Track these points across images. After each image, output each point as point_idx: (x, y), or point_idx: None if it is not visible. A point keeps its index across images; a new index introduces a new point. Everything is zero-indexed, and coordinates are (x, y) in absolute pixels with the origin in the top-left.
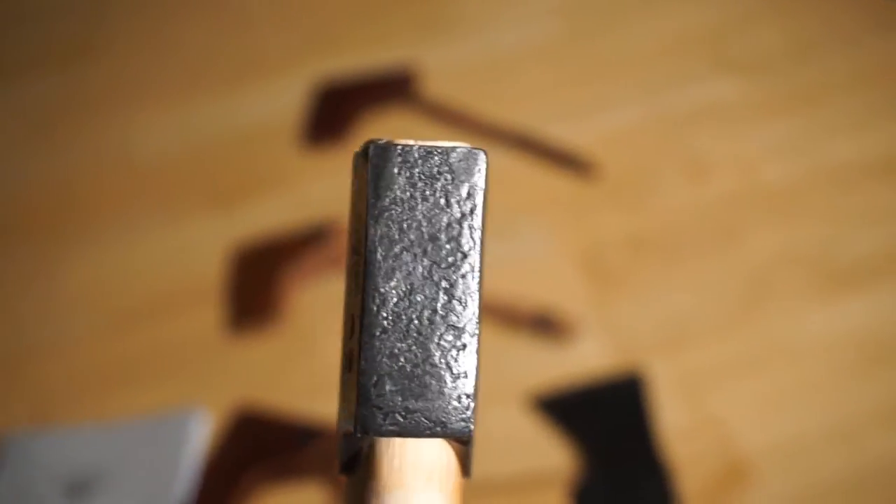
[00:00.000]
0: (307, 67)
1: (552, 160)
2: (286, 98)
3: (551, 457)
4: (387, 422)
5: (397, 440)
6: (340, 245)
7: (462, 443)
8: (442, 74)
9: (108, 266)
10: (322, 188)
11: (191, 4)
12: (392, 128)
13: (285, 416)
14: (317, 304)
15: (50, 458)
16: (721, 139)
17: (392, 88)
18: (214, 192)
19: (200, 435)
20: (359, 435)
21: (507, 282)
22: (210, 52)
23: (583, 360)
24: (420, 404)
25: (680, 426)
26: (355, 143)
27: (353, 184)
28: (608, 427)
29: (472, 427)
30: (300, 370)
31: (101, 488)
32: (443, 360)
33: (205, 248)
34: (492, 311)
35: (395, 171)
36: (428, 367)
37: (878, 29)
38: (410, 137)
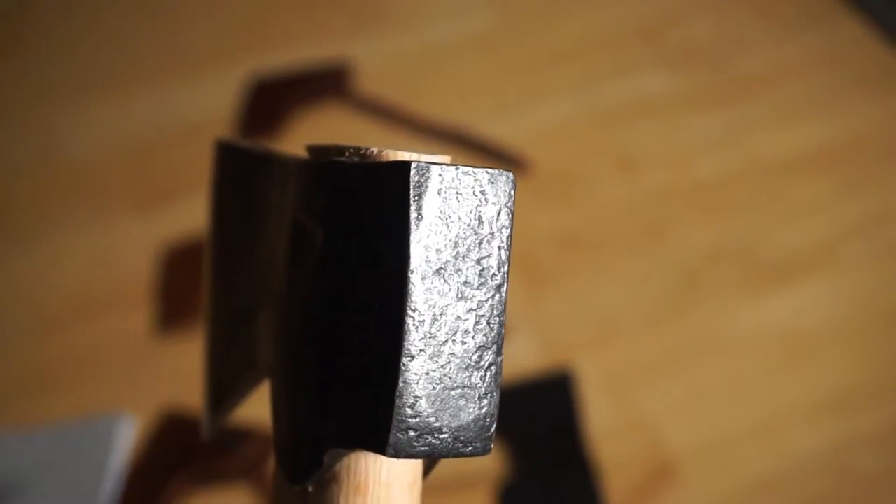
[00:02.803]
0: (239, 63)
1: (485, 156)
2: (218, 95)
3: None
4: (419, 444)
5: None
6: None
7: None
8: (375, 69)
9: (33, 267)
10: None
11: None
12: (327, 124)
13: None
14: None
15: None
16: (653, 133)
17: (326, 84)
18: (143, 191)
19: (126, 439)
20: (390, 457)
21: None
22: (139, 48)
23: (514, 359)
24: (452, 424)
25: (608, 424)
26: (289, 140)
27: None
28: (536, 426)
29: (492, 446)
30: None
31: (23, 496)
32: (472, 381)
33: (132, 248)
34: None
35: (436, 191)
36: (459, 388)
37: (812, 22)
38: (346, 134)
